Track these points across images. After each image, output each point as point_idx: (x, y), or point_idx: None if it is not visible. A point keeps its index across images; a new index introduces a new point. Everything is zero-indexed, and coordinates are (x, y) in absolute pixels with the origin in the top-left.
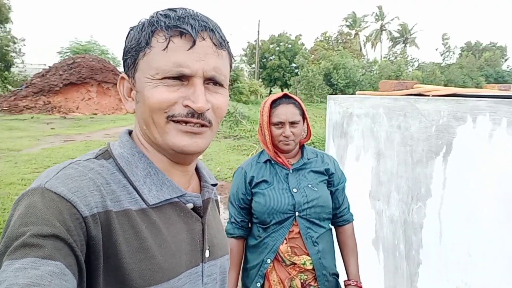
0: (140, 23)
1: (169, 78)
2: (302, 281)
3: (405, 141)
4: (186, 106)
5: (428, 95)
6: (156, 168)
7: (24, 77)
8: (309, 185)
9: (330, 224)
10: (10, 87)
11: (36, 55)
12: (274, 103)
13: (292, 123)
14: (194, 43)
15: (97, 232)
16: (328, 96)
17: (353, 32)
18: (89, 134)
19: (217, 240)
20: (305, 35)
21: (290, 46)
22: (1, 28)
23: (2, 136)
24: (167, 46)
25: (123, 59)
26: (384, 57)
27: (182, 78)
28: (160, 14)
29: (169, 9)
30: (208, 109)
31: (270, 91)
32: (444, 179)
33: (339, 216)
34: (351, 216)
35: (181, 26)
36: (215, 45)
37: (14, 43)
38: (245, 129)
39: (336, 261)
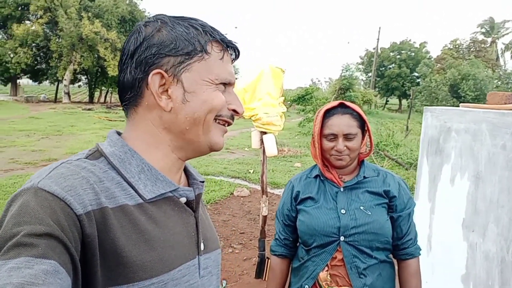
0: (182, 26)
1: (221, 84)
2: None
3: (510, 164)
4: (232, 110)
5: None
6: (148, 164)
7: None
8: (362, 207)
9: (389, 256)
10: None
11: None
12: (328, 113)
13: (347, 136)
14: (236, 58)
15: (92, 229)
16: (424, 107)
17: (489, 39)
18: None
19: (209, 234)
20: (431, 43)
21: (412, 54)
22: None
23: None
24: (223, 57)
25: (156, 54)
26: None
27: (226, 85)
28: (208, 26)
29: (204, 22)
30: None
31: (387, 101)
32: None
33: (401, 249)
34: (416, 250)
35: (233, 42)
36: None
37: None
38: None
39: None
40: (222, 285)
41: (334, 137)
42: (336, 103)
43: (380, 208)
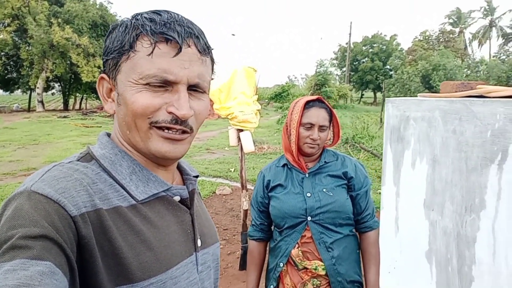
0: (123, 24)
1: (153, 83)
2: (314, 286)
3: (460, 147)
4: (170, 112)
5: (490, 97)
6: (140, 165)
7: None
8: (324, 190)
9: (352, 230)
10: None
11: None
12: (308, 105)
13: (321, 127)
14: (180, 50)
15: (88, 231)
16: (386, 99)
17: (457, 30)
18: None
19: (207, 229)
20: (401, 35)
21: (384, 47)
22: None
23: None
24: (152, 52)
25: (103, 59)
26: (493, 56)
27: (165, 84)
28: (145, 18)
29: (154, 12)
30: (191, 116)
31: (362, 95)
32: (499, 190)
33: (361, 222)
34: (375, 223)
35: (167, 32)
36: (199, 52)
37: None
38: None
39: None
40: None
41: (311, 126)
42: (314, 97)
43: (340, 189)
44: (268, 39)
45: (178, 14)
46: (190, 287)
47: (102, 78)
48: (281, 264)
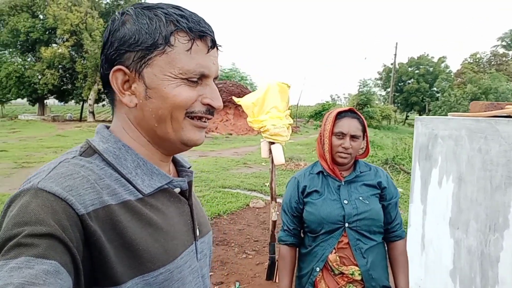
0: (145, 16)
1: (190, 78)
2: None
3: (485, 165)
4: (206, 104)
5: None
6: (143, 158)
7: None
8: (360, 198)
9: (381, 238)
10: None
11: None
12: (339, 115)
13: (353, 137)
14: (212, 47)
15: (96, 228)
16: (415, 117)
17: (510, 52)
18: (221, 151)
19: (202, 218)
20: (451, 57)
21: (431, 69)
22: None
23: None
24: (191, 48)
25: (117, 50)
26: None
27: (199, 78)
28: (175, 14)
29: (177, 8)
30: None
31: (407, 116)
32: None
33: (391, 232)
34: (403, 233)
35: (204, 30)
36: (217, 48)
37: None
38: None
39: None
40: (235, 285)
41: (343, 135)
42: (346, 108)
43: (374, 198)
44: (312, 57)
45: (195, 12)
46: (192, 275)
47: (119, 70)
48: (318, 269)
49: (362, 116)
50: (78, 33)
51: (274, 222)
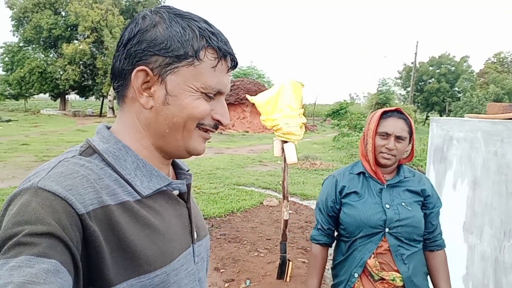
0: (178, 25)
1: (208, 93)
2: None
3: (501, 169)
4: (216, 120)
5: None
6: (142, 160)
7: None
8: (403, 203)
9: (420, 246)
10: None
11: None
12: (385, 114)
13: (398, 138)
14: (232, 69)
15: (94, 228)
16: (431, 118)
17: None
18: (237, 149)
19: (200, 222)
20: (473, 57)
21: (452, 68)
22: None
23: None
24: (216, 65)
25: (145, 51)
26: None
27: (214, 94)
28: (207, 30)
29: (208, 24)
30: None
31: (427, 117)
32: None
33: (432, 241)
34: (444, 242)
35: (231, 52)
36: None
37: None
38: None
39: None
40: (246, 283)
41: (387, 136)
42: (392, 108)
43: (417, 205)
44: (330, 56)
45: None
46: (188, 278)
47: (143, 70)
48: (356, 275)
49: (409, 117)
50: (98, 30)
51: (286, 222)
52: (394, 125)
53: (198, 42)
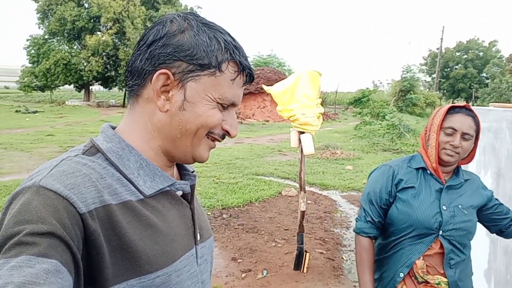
0: (205, 34)
1: (224, 104)
2: None
3: None
4: (225, 130)
5: None
6: (146, 159)
7: None
8: (460, 206)
9: (471, 254)
10: None
11: None
12: (452, 110)
13: (464, 135)
14: (248, 83)
15: (96, 227)
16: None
17: None
18: (256, 138)
19: (204, 223)
20: (503, 41)
21: (481, 53)
22: None
23: None
24: (235, 79)
25: (170, 55)
26: None
27: (228, 105)
28: (232, 43)
29: (232, 37)
30: None
31: (452, 104)
32: None
33: None
34: None
35: (249, 67)
36: None
37: None
38: (408, 143)
39: None
40: (263, 273)
41: (453, 132)
42: (461, 104)
43: (473, 210)
44: (352, 42)
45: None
46: (191, 279)
47: (165, 73)
48: (401, 274)
49: (477, 116)
50: (120, 21)
51: (303, 213)
52: (462, 121)
53: (222, 54)
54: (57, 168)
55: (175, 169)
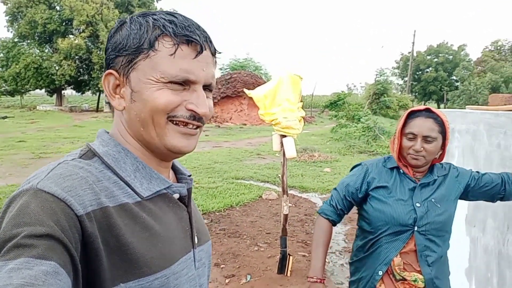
0: (136, 22)
1: (174, 82)
2: None
3: (504, 161)
4: (190, 110)
5: None
6: (142, 162)
7: None
8: (433, 200)
9: (449, 245)
10: None
11: None
12: (412, 114)
13: (426, 138)
14: (200, 52)
15: (94, 229)
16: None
17: None
18: (235, 142)
19: (201, 227)
20: (471, 45)
21: (450, 57)
22: None
23: None
24: (174, 52)
25: (111, 55)
26: None
27: (184, 83)
28: (164, 19)
29: (170, 14)
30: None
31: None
32: None
33: (508, 181)
34: None
35: (190, 35)
36: (212, 54)
37: None
38: (383, 145)
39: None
40: (246, 278)
41: (414, 137)
42: (422, 107)
43: (449, 201)
44: (327, 46)
45: (191, 19)
46: (189, 283)
47: (110, 73)
48: (380, 273)
49: (441, 116)
50: (94, 24)
51: (286, 216)
52: (421, 125)
53: (152, 33)
54: (54, 171)
55: (171, 172)
